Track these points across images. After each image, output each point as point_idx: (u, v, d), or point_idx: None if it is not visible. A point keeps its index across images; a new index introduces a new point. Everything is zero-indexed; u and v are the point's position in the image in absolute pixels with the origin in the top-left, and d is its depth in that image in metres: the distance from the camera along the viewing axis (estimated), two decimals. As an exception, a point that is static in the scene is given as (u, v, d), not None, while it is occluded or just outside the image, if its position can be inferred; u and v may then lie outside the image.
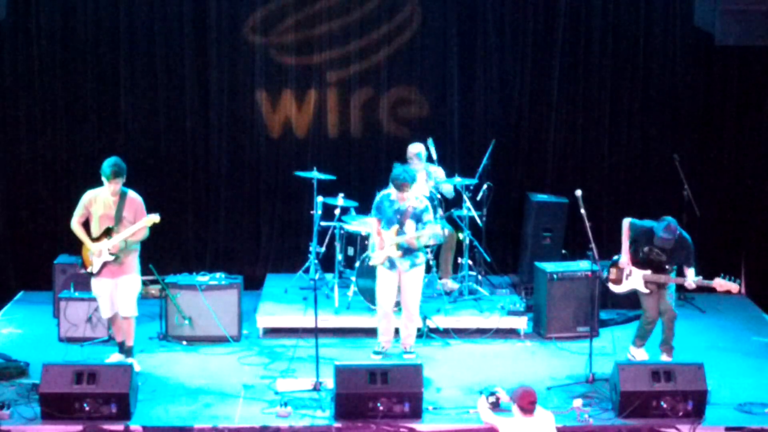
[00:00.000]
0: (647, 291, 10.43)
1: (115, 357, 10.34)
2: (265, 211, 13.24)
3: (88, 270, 10.20)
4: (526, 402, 8.13)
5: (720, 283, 10.21)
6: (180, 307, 11.14)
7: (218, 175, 13.11)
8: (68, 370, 9.29)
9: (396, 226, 10.46)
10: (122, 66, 12.85)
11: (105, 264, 10.10)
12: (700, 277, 10.30)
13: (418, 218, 10.46)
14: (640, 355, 10.60)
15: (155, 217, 10.11)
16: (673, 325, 10.53)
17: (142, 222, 10.08)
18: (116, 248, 10.04)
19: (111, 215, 10.08)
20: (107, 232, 10.06)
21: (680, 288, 12.64)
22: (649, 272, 10.39)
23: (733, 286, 10.16)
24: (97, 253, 10.09)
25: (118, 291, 10.19)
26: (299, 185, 12.51)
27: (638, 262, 10.47)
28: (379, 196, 10.74)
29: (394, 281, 10.55)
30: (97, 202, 10.12)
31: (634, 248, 10.49)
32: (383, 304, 10.60)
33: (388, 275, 10.54)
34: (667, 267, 10.40)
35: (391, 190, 10.57)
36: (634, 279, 10.48)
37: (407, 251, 10.50)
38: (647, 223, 10.44)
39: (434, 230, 10.48)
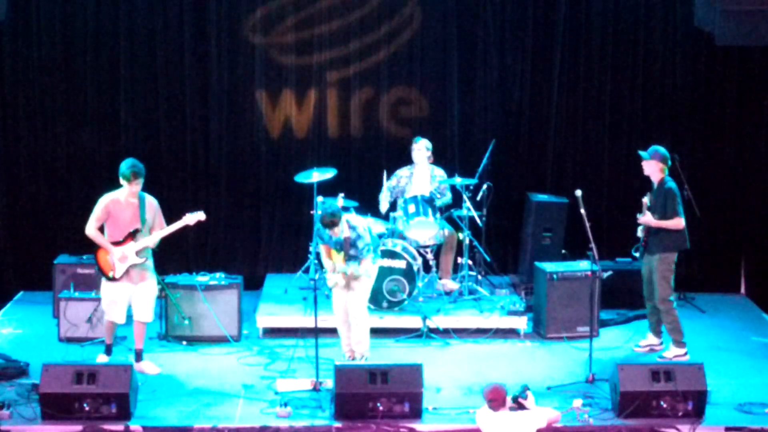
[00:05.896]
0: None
1: (102, 358, 10.32)
2: (265, 211, 13.24)
3: (110, 275, 10.10)
4: (486, 398, 8.25)
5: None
6: (180, 307, 11.15)
7: (218, 175, 13.11)
8: (68, 370, 9.27)
9: (343, 253, 10.25)
10: (122, 66, 12.85)
11: (130, 268, 10.08)
12: (648, 214, 10.43)
13: (355, 247, 10.22)
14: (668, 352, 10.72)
15: (200, 215, 10.26)
16: (661, 316, 10.63)
17: (186, 219, 10.18)
18: (153, 244, 10.12)
19: (135, 218, 10.06)
20: (133, 235, 10.06)
21: (681, 288, 12.68)
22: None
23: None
24: (121, 257, 10.06)
25: (137, 297, 10.18)
26: (299, 185, 12.50)
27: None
28: (316, 224, 10.39)
29: (344, 293, 10.41)
30: (119, 205, 10.08)
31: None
32: (337, 315, 10.49)
33: (339, 289, 10.42)
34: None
35: None
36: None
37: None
38: None
39: (366, 267, 10.20)
